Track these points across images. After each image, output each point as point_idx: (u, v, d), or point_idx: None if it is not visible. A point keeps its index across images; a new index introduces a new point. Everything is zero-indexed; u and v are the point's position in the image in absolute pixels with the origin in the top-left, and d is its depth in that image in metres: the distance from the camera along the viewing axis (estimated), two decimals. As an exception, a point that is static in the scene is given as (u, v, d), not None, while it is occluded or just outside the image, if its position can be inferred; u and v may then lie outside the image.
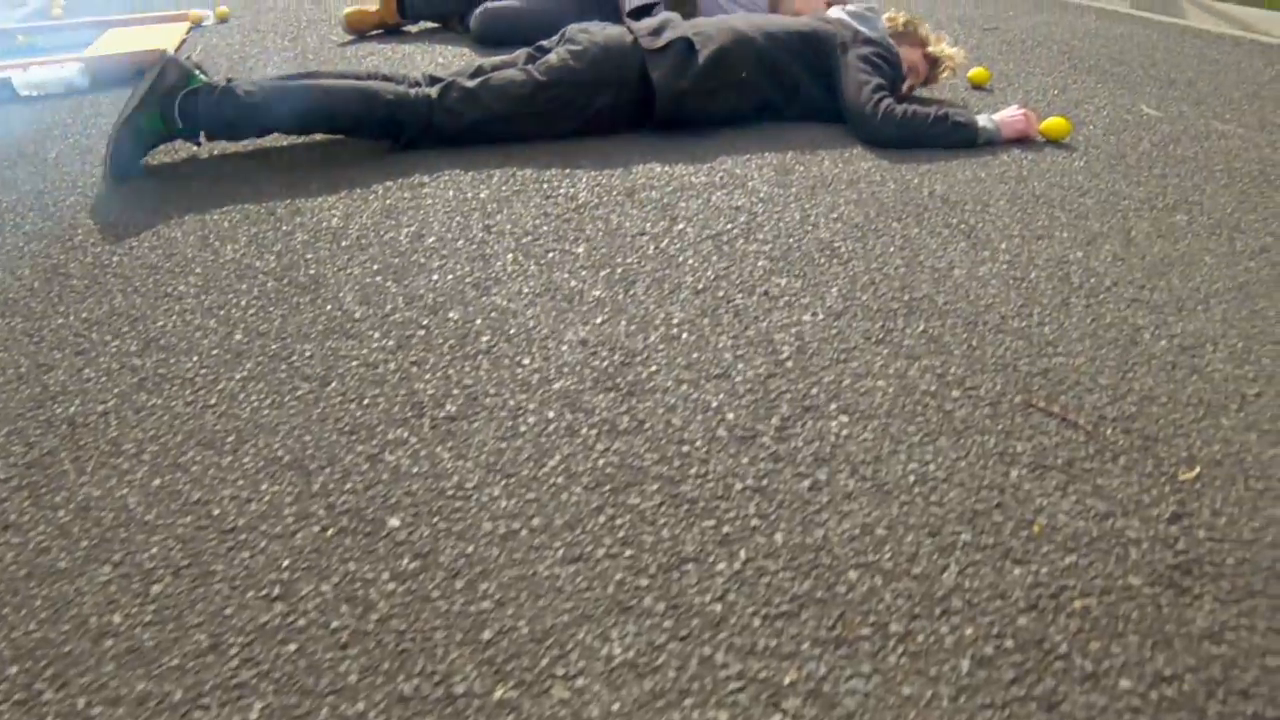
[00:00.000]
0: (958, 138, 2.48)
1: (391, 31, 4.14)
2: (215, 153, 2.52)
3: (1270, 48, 4.30)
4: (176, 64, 2.34)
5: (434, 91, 2.49)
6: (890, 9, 2.94)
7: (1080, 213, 2.12)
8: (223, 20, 4.62)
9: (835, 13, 2.79)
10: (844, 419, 1.36)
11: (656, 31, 2.60)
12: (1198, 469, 1.26)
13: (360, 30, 4.07)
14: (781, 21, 2.69)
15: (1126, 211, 2.14)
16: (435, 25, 4.25)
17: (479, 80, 2.53)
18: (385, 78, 2.66)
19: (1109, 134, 2.75)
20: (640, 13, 2.81)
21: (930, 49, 2.83)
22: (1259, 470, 1.26)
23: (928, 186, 2.25)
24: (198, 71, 2.36)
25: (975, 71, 3.20)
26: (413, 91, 2.49)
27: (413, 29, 4.19)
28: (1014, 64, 3.66)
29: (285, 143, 2.58)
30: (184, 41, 4.08)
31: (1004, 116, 2.57)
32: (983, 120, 2.52)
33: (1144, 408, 1.39)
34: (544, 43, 2.72)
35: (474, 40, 3.85)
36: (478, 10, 3.86)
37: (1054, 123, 2.57)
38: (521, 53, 2.74)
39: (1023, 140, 2.57)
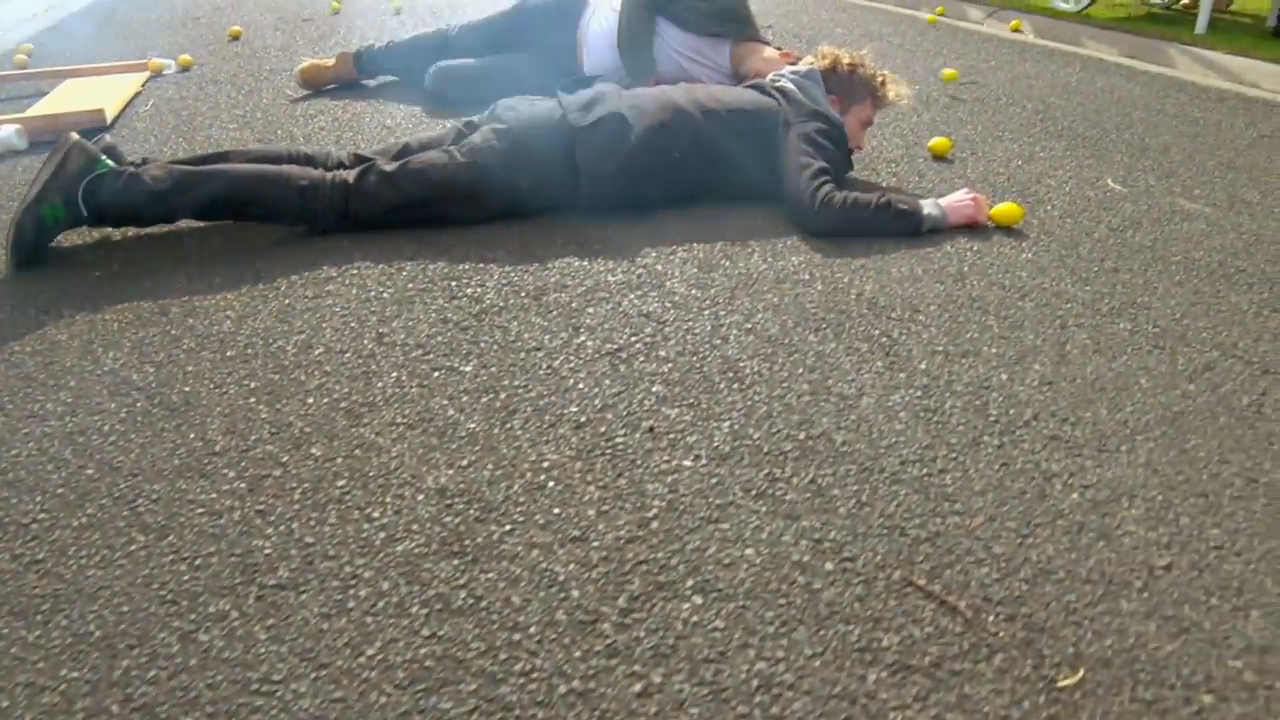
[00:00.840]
0: (901, 226, 2.35)
1: (349, 85, 4.05)
2: (129, 235, 2.42)
3: (1254, 103, 4.15)
4: (82, 149, 2.25)
5: (351, 176, 2.38)
6: (862, 60, 2.79)
7: (1016, 321, 1.98)
8: (185, 69, 4.55)
9: (783, 80, 2.66)
10: (698, 600, 1.22)
11: (588, 106, 2.48)
12: (1081, 672, 1.12)
13: (316, 86, 3.98)
14: (723, 96, 2.57)
15: (1066, 319, 2.00)
16: (395, 79, 4.15)
17: (399, 163, 2.42)
18: (307, 157, 2.56)
19: (1066, 216, 2.61)
20: (581, 82, 2.69)
21: (879, 94, 2.69)
22: (1151, 672, 1.12)
23: (857, 287, 2.11)
24: (104, 156, 2.26)
25: (936, 141, 3.07)
26: (329, 176, 2.39)
27: (371, 83, 4.10)
28: (983, 126, 3.53)
29: (202, 225, 2.47)
30: (138, 94, 4.00)
31: (951, 202, 2.43)
32: (928, 207, 2.39)
33: (1036, 586, 1.25)
34: (473, 119, 2.61)
35: (430, 97, 3.75)
36: (432, 68, 3.77)
37: (1005, 209, 2.44)
38: (451, 128, 2.63)
39: (972, 226, 2.43)
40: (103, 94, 3.77)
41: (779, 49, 3.71)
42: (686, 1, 3.65)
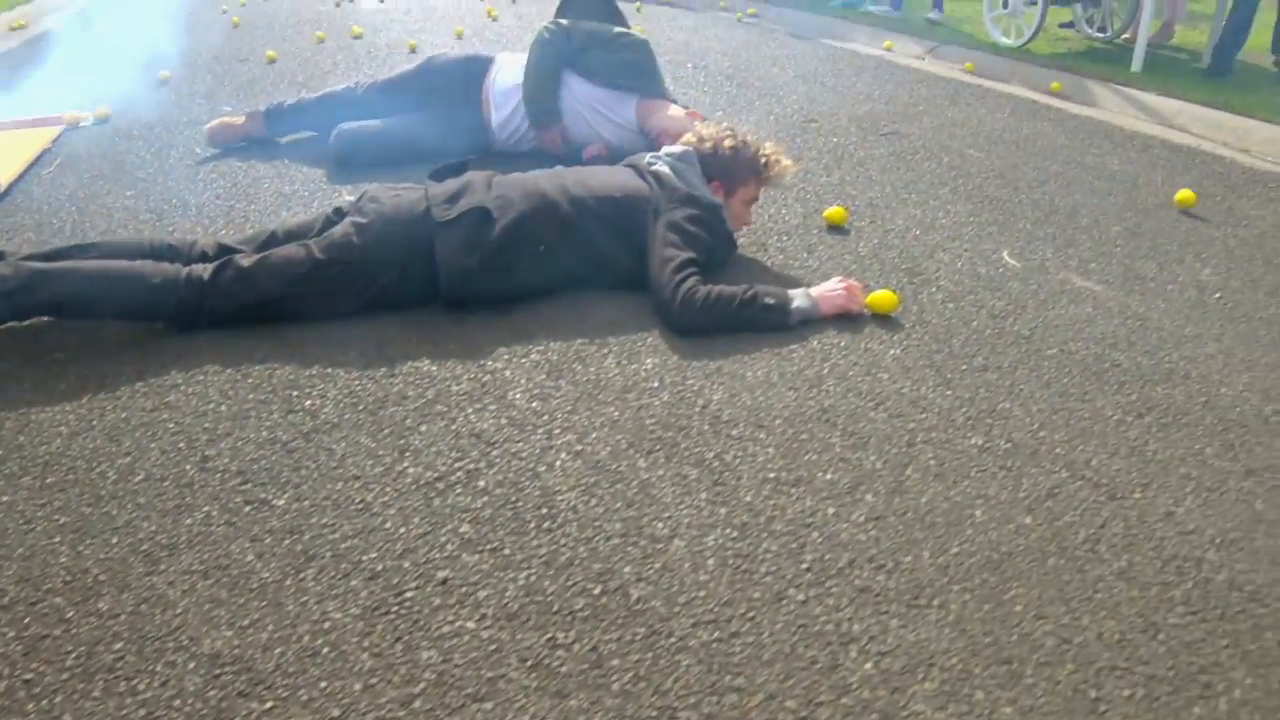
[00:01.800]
0: (767, 321, 2.28)
1: (260, 143, 3.97)
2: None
3: (1177, 151, 4.12)
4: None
5: (207, 273, 2.31)
6: (744, 139, 2.72)
7: (862, 438, 1.91)
8: (103, 120, 4.47)
9: (658, 163, 2.60)
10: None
11: (453, 198, 2.42)
12: None
13: (224, 144, 3.90)
14: (593, 182, 2.51)
15: (917, 433, 1.94)
16: (309, 134, 4.07)
17: (257, 258, 2.35)
18: (170, 248, 2.49)
19: (949, 300, 2.55)
20: (452, 169, 2.62)
21: (763, 174, 2.66)
22: None
23: (705, 396, 2.05)
24: None
25: (832, 211, 3.02)
26: (185, 273, 2.32)
27: (282, 140, 4.03)
28: (889, 187, 3.47)
29: (57, 321, 2.40)
30: (47, 150, 3.92)
31: (822, 291, 2.37)
32: (798, 299, 2.32)
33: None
34: (342, 206, 2.55)
35: (333, 160, 3.68)
36: (335, 130, 3.70)
37: (879, 297, 2.38)
38: (319, 215, 2.56)
39: (845, 316, 2.36)
40: (3, 156, 3.69)
41: (685, 107, 3.66)
42: (594, 54, 3.62)
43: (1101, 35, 6.55)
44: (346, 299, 2.36)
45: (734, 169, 2.58)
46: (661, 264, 2.34)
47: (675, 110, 3.54)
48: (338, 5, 8.38)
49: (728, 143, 2.59)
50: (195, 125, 4.23)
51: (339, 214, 2.51)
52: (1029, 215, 3.21)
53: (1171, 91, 5.03)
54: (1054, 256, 2.87)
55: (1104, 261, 2.85)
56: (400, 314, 2.41)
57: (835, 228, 3.02)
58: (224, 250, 2.47)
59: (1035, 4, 6.08)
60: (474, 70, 3.73)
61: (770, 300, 2.29)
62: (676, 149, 2.63)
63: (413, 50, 5.89)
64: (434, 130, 3.63)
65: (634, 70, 3.60)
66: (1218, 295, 2.66)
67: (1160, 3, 6.17)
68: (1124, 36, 6.36)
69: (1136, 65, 5.61)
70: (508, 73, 3.68)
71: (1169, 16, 6.36)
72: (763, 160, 2.63)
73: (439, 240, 2.35)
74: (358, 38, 6.45)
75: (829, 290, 2.38)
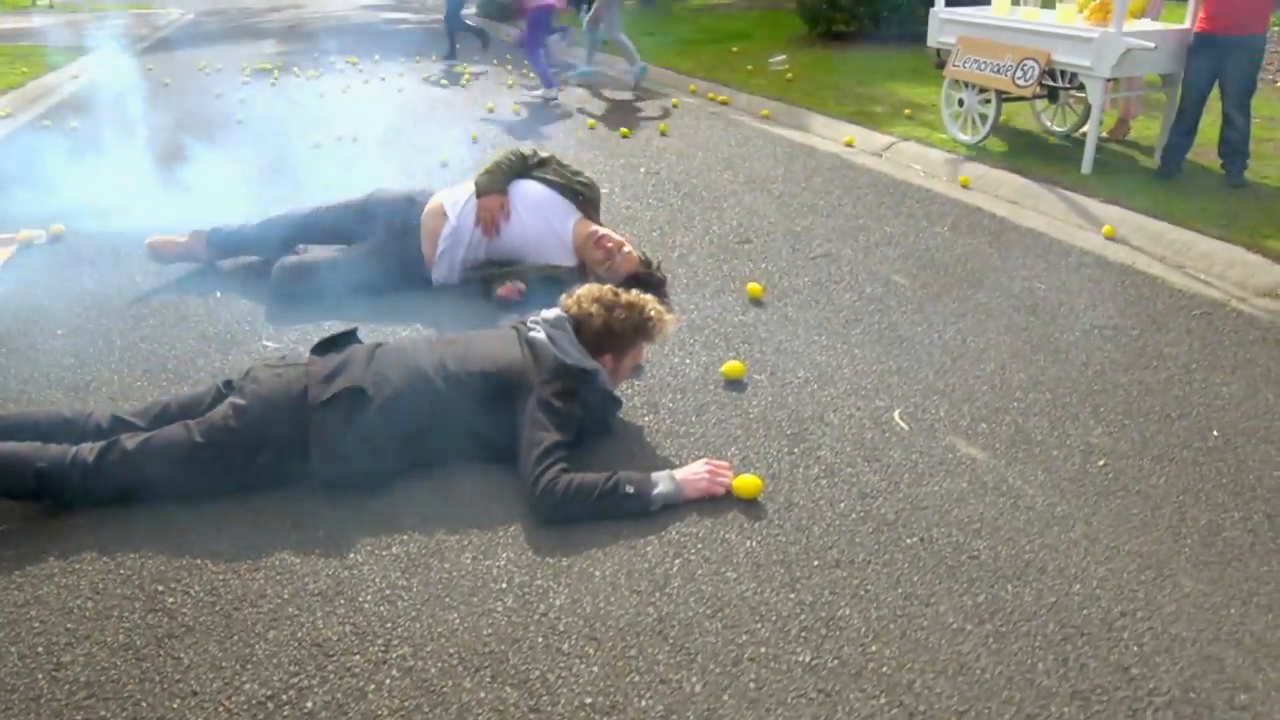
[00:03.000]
0: (629, 509, 2.31)
1: (202, 269, 4.05)
2: None
3: (1110, 270, 4.15)
4: None
5: (93, 455, 2.37)
6: (627, 302, 2.76)
7: (688, 656, 1.93)
8: (56, 238, 4.59)
9: (535, 329, 2.64)
10: None
11: (331, 377, 2.47)
12: None
13: (165, 259, 3.98)
14: (471, 355, 2.58)
15: (745, 649, 1.95)
16: (250, 259, 4.16)
17: (140, 441, 2.41)
18: (65, 421, 2.55)
19: (825, 474, 2.57)
20: (337, 341, 2.68)
21: (646, 336, 2.71)
22: None
23: (547, 601, 2.09)
24: None
25: (729, 366, 3.07)
26: (71, 455, 2.38)
27: (225, 264, 4.12)
28: (803, 327, 3.53)
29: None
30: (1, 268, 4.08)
31: (687, 475, 2.40)
32: (662, 484, 2.35)
33: None
34: (232, 378, 2.60)
35: (272, 291, 3.73)
36: (276, 266, 3.78)
37: (744, 482, 2.42)
38: (211, 386, 2.62)
39: (710, 497, 2.39)
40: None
41: (617, 234, 3.78)
42: (556, 166, 3.89)
43: (1059, 131, 6.61)
44: (225, 480, 2.42)
45: (611, 335, 2.62)
46: (527, 449, 2.37)
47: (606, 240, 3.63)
48: (345, 91, 8.56)
49: (607, 307, 2.62)
50: (143, 246, 4.34)
51: (229, 387, 2.57)
52: (936, 361, 3.24)
53: (1117, 196, 5.07)
54: (946, 414, 2.89)
55: (996, 420, 2.87)
56: (279, 492, 2.45)
57: (733, 382, 3.05)
58: (117, 423, 2.53)
59: (990, 102, 6.15)
60: (416, 204, 3.82)
61: (631, 489, 2.31)
62: (552, 314, 2.68)
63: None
64: (371, 266, 3.71)
65: (590, 191, 3.83)
66: (1102, 462, 2.67)
67: (1119, 101, 6.23)
68: (1081, 130, 6.41)
69: (1086, 167, 5.66)
70: (447, 235, 3.80)
71: (1124, 113, 6.42)
72: (646, 318, 2.66)
73: (314, 424, 2.40)
74: (355, 140, 6.60)
75: (693, 474, 2.41)
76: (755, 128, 7.24)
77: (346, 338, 2.68)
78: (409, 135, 6.77)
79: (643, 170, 5.81)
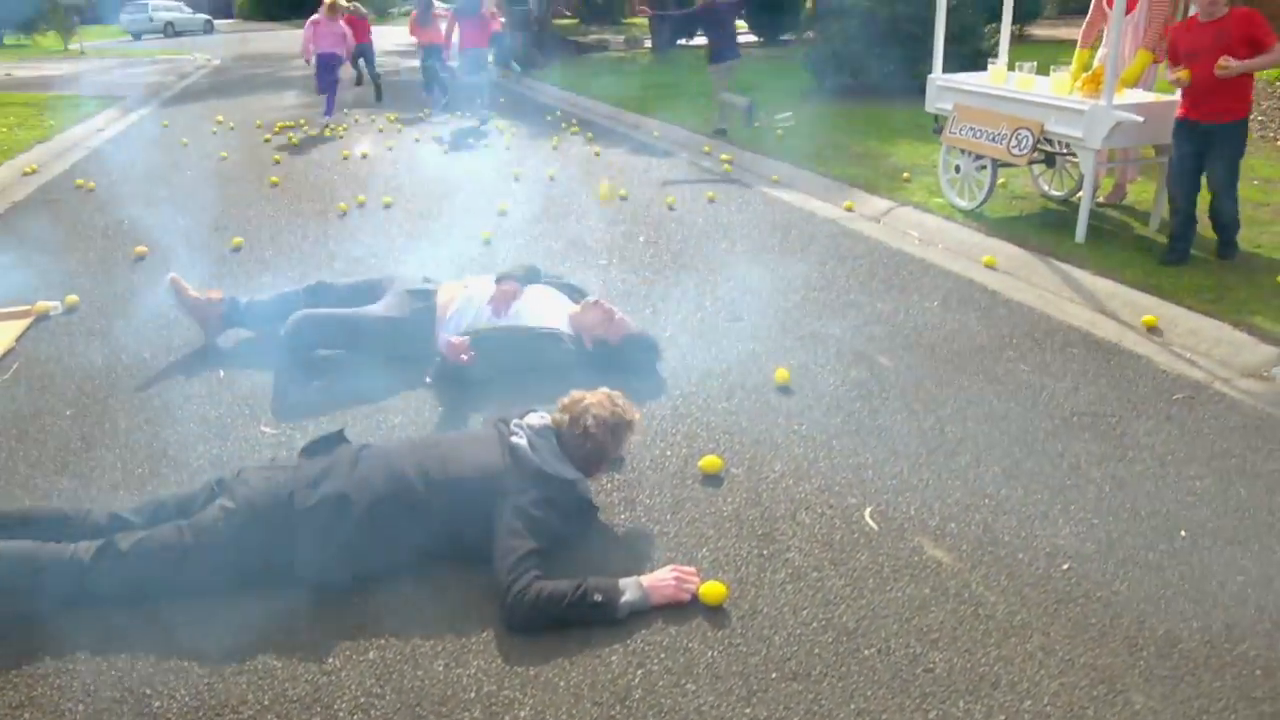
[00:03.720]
0: (597, 616, 2.41)
1: (202, 350, 4.22)
2: None
3: (1095, 349, 4.19)
4: None
5: (89, 555, 2.49)
6: (608, 407, 2.87)
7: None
8: (71, 309, 4.76)
9: (518, 435, 2.75)
10: None
11: (316, 482, 2.58)
12: None
13: (178, 301, 4.19)
14: (451, 460, 2.69)
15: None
16: (249, 335, 4.34)
17: (134, 542, 2.53)
18: (64, 518, 2.67)
19: (791, 578, 2.65)
20: (325, 443, 2.80)
21: (625, 437, 2.83)
22: None
23: (512, 713, 2.16)
24: None
25: (706, 460, 3.15)
26: (69, 555, 2.50)
27: (227, 341, 4.27)
28: (784, 417, 3.63)
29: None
30: (11, 350, 4.25)
31: (653, 581, 2.50)
32: (629, 591, 2.45)
33: None
34: (225, 476, 2.72)
35: (284, 342, 3.89)
36: (292, 317, 3.89)
37: (709, 589, 2.51)
38: (205, 485, 2.74)
39: (676, 604, 2.48)
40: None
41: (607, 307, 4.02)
42: (550, 277, 4.31)
43: (1057, 195, 6.69)
44: (214, 580, 2.54)
45: (594, 453, 2.75)
46: (501, 556, 2.47)
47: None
48: (345, 156, 8.79)
49: (591, 419, 2.73)
50: (154, 317, 4.51)
51: (221, 485, 2.68)
52: (912, 453, 3.31)
53: (1110, 268, 5.14)
54: (916, 513, 2.96)
55: (965, 519, 2.94)
56: (265, 591, 2.57)
57: (711, 476, 3.14)
58: (115, 521, 2.65)
59: (986, 168, 6.25)
60: (430, 284, 4.12)
61: (599, 597, 2.40)
62: (537, 422, 2.79)
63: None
64: (381, 326, 3.91)
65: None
66: (1066, 566, 2.73)
67: (1115, 167, 6.30)
68: (1078, 195, 6.49)
69: (1079, 236, 5.73)
70: (458, 305, 4.01)
71: (1120, 178, 6.49)
72: (625, 422, 2.79)
73: (299, 528, 2.52)
74: (388, 205, 6.80)
75: (660, 581, 2.50)
76: (758, 191, 7.38)
77: (334, 439, 2.79)
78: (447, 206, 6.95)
79: (642, 239, 5.95)
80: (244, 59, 20.51)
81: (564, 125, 10.53)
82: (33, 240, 6.07)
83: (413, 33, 12.27)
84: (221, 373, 3.99)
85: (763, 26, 21.69)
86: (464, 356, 3.56)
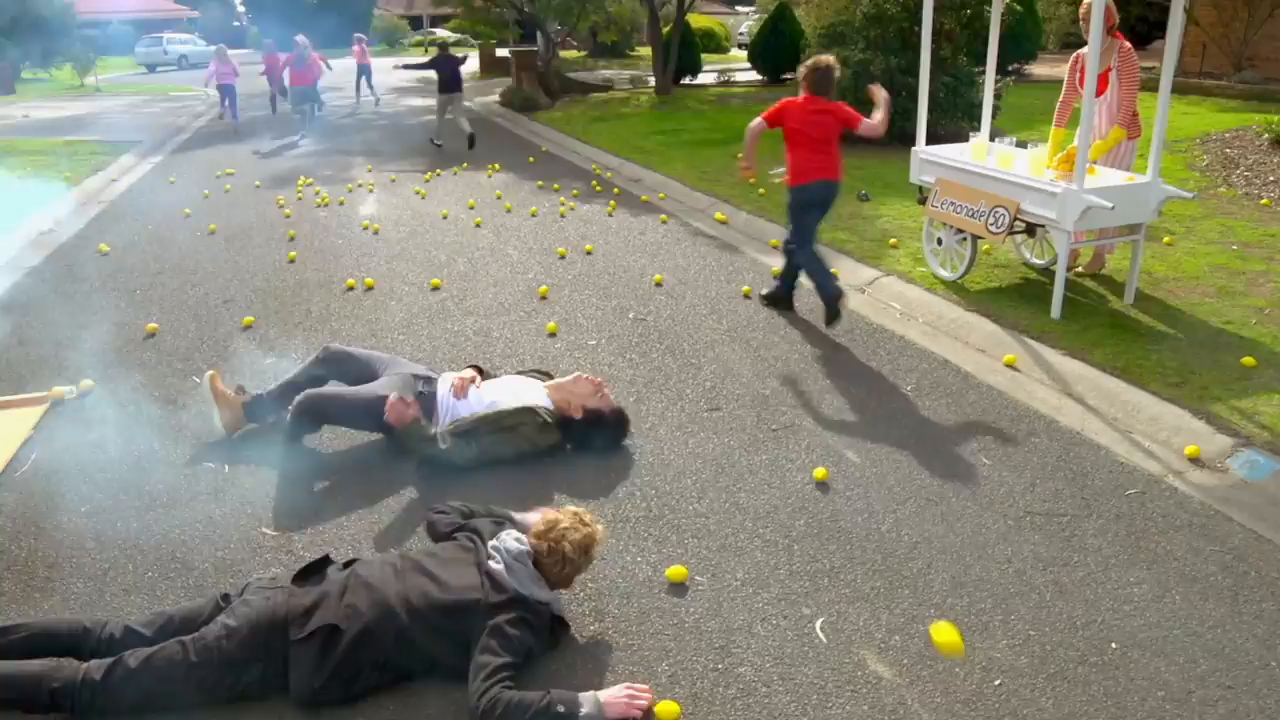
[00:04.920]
0: None
1: (216, 443, 4.50)
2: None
3: (1057, 438, 4.39)
4: None
5: (100, 673, 2.75)
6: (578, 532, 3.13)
7: None
8: (86, 393, 5.06)
9: (496, 558, 3.02)
10: None
11: (309, 612, 2.85)
12: None
13: (213, 396, 4.45)
14: (434, 588, 2.94)
15: None
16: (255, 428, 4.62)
17: (143, 659, 2.79)
18: (84, 630, 2.93)
19: (740, 694, 2.87)
20: (315, 568, 3.06)
21: (591, 556, 3.10)
22: None
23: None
24: None
25: (673, 570, 3.38)
26: (82, 672, 2.76)
27: (234, 434, 4.55)
28: (750, 520, 3.83)
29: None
30: (29, 439, 4.53)
31: (609, 697, 2.75)
32: (587, 707, 2.69)
33: None
34: (229, 593, 2.99)
35: (290, 421, 4.20)
36: (296, 399, 4.22)
37: (663, 708, 2.73)
38: (211, 599, 3.00)
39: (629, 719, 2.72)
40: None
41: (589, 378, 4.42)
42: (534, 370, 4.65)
43: (1038, 264, 6.90)
44: (216, 693, 2.81)
45: (567, 575, 3.07)
46: (475, 670, 2.75)
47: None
48: (377, 232, 9.10)
49: (566, 547, 3.03)
50: (164, 402, 4.79)
51: (226, 600, 2.96)
52: (868, 559, 3.54)
53: (1081, 347, 5.33)
54: (864, 624, 3.19)
55: (910, 630, 3.15)
56: (263, 705, 2.83)
57: (676, 585, 3.38)
58: (129, 634, 2.92)
59: (966, 241, 6.48)
60: (431, 390, 4.39)
61: (562, 709, 2.67)
62: (514, 547, 3.05)
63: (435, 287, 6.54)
64: (379, 407, 4.13)
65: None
66: (998, 681, 2.94)
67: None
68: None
69: (1055, 312, 5.94)
70: (440, 397, 4.34)
71: (1099, 248, 6.69)
72: (596, 549, 3.10)
73: (292, 654, 2.80)
74: (434, 287, 7.08)
75: (614, 698, 2.75)
76: (749, 257, 7.64)
77: (321, 564, 3.06)
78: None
79: (631, 315, 6.20)
80: (254, 96, 20.96)
81: (554, 187, 10.80)
82: (48, 312, 6.38)
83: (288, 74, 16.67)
84: (226, 468, 4.26)
85: (765, 66, 21.99)
86: (409, 413, 3.95)
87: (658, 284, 7.03)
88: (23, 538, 3.76)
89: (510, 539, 3.09)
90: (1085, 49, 5.79)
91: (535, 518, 3.24)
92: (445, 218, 9.33)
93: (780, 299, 6.32)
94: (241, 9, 61.07)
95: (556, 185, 10.77)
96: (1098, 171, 6.00)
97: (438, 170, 12.11)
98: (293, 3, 49.45)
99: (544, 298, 6.67)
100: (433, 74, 13.44)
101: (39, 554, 3.64)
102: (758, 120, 5.92)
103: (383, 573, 3.02)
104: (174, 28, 49.33)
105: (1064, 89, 6.59)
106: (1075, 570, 3.49)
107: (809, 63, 5.96)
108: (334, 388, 4.41)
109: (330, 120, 18.91)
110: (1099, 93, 6.04)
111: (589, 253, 7.60)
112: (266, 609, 2.86)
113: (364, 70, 21.40)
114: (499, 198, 10.06)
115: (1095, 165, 6.04)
